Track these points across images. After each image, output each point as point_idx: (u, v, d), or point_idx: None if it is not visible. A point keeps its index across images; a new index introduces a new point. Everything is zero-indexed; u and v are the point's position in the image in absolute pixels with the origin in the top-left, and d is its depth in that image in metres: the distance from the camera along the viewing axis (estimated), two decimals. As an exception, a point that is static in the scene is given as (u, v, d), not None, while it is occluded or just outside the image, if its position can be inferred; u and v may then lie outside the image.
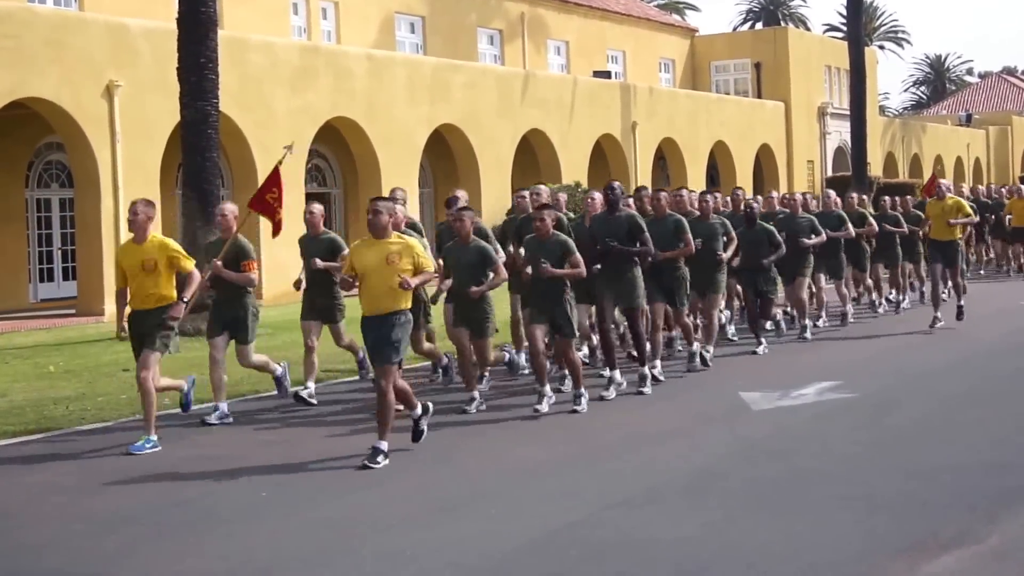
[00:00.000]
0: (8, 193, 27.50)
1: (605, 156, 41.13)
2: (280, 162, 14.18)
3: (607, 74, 44.81)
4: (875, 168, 52.74)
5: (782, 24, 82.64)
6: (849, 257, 20.28)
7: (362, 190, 32.06)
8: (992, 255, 31.75)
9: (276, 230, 14.28)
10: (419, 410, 10.91)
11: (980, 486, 8.99)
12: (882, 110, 77.63)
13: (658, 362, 14.58)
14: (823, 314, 19.88)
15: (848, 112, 48.27)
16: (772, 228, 17.18)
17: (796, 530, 7.95)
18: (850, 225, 19.83)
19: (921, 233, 21.31)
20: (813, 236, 18.32)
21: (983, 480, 9.17)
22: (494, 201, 33.88)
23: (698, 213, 16.05)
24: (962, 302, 19.22)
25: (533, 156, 38.13)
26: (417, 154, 33.19)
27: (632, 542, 7.81)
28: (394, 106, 32.10)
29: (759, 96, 51.91)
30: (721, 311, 16.97)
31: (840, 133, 54.30)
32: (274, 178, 14.05)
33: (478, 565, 7.51)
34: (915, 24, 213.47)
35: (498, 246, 13.53)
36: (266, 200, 14.02)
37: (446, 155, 35.51)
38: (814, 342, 18.11)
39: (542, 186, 15.14)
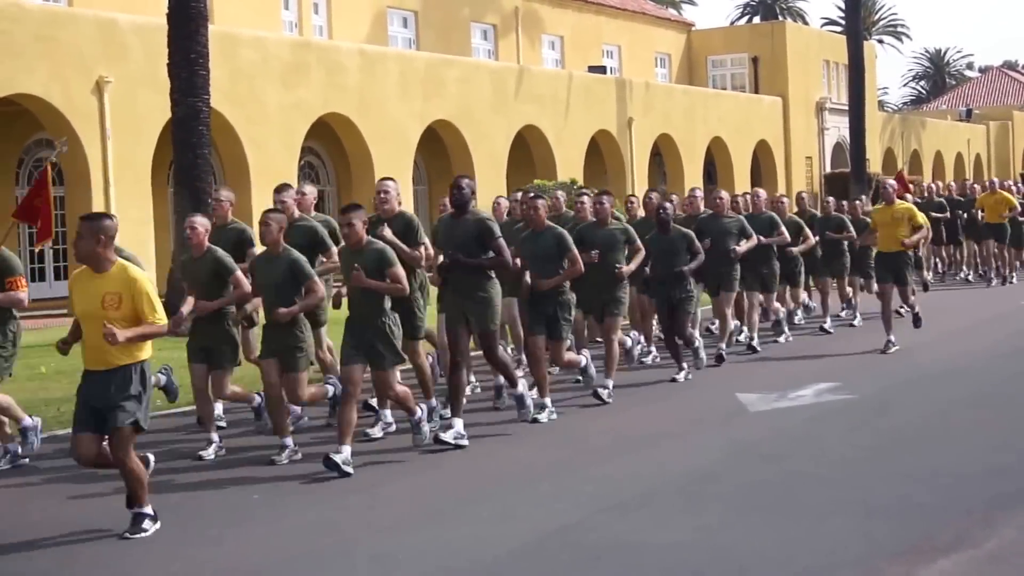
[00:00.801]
0: (-2, 190, 27.42)
1: (601, 152, 41.05)
2: (50, 161, 13.90)
3: (602, 69, 44.73)
4: (874, 164, 52.64)
5: (779, 18, 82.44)
6: (782, 270, 17.78)
7: (356, 187, 31.94)
8: (962, 255, 29.41)
9: (41, 237, 13.28)
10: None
11: (977, 490, 8.96)
12: (881, 105, 77.51)
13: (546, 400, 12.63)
14: (754, 335, 17.12)
15: (847, 107, 48.20)
16: (691, 233, 15.05)
17: (791, 534, 7.93)
18: (784, 229, 17.46)
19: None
20: (743, 241, 16.23)
21: (980, 484, 9.15)
22: (490, 198, 33.54)
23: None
24: (917, 308, 17.56)
25: (528, 152, 38.03)
26: (411, 150, 33.11)
27: (625, 546, 7.80)
28: (387, 102, 32.02)
29: (756, 91, 51.82)
30: (628, 334, 15.30)
31: (839, 128, 54.19)
32: (42, 181, 12.93)
33: (469, 569, 7.51)
34: (914, 18, 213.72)
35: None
36: (34, 206, 12.85)
37: (440, 151, 35.44)
38: (813, 343, 18.02)
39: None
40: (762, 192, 18.58)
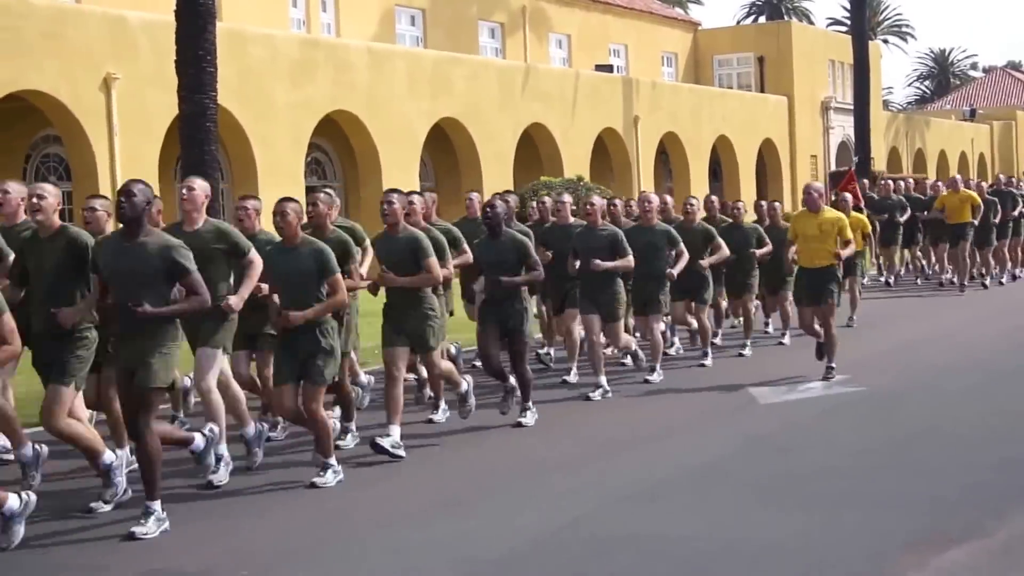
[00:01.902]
0: (6, 187, 27.39)
1: (607, 151, 41.04)
2: None
3: (609, 68, 44.68)
4: (879, 163, 52.58)
5: (785, 18, 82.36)
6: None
7: (363, 184, 31.98)
8: (921, 261, 27.44)
9: None
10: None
11: (988, 482, 8.96)
12: (886, 105, 77.51)
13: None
14: (671, 351, 16.05)
15: (852, 107, 48.17)
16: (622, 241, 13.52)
17: (804, 525, 7.93)
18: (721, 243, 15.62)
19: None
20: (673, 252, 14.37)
21: (991, 476, 9.15)
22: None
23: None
24: (834, 331, 14.04)
25: (535, 150, 38.03)
26: (418, 148, 33.11)
27: (638, 538, 7.81)
28: (394, 100, 32.02)
29: (762, 90, 51.81)
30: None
31: (843, 128, 54.21)
32: None
33: (483, 560, 7.51)
34: (919, 18, 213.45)
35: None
36: None
37: (447, 149, 35.43)
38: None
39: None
40: (658, 197, 15.82)
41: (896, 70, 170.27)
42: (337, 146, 33.78)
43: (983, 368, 14.58)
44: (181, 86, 20.89)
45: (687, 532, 7.91)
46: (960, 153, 67.74)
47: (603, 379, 13.21)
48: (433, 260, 10.56)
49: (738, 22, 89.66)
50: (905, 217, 25.21)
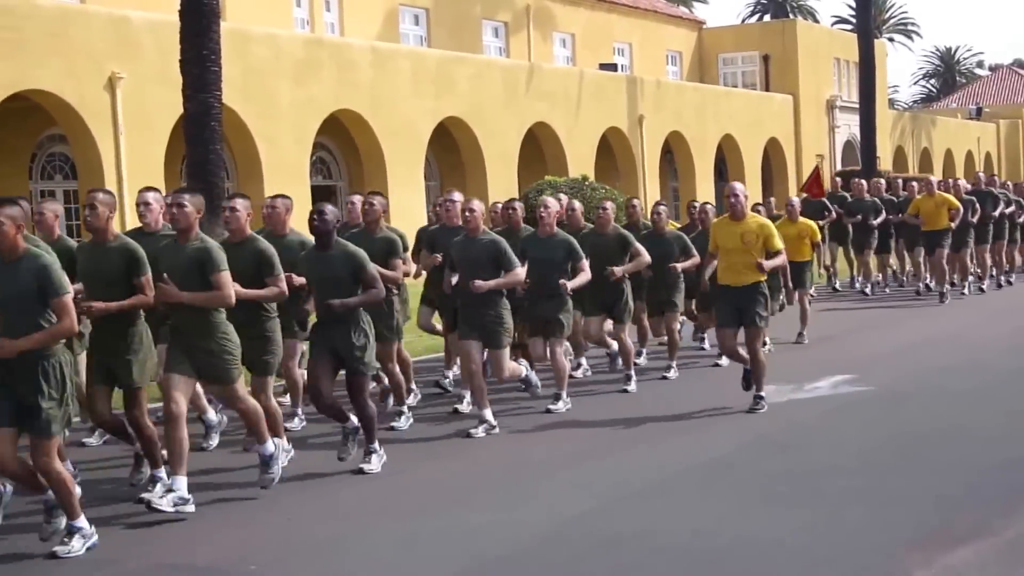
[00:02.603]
0: (12, 185, 27.34)
1: (612, 150, 41.06)
2: None
3: (613, 67, 44.69)
4: (884, 162, 52.55)
5: (790, 16, 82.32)
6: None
7: (367, 183, 31.93)
8: (893, 268, 25.82)
9: None
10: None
11: (995, 480, 8.98)
12: (892, 103, 77.49)
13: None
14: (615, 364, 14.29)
15: (857, 105, 48.12)
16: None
17: (810, 523, 7.96)
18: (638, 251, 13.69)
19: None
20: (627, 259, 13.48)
21: (998, 474, 9.17)
22: (501, 195, 33.65)
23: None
24: (762, 356, 12.27)
25: (539, 149, 38.05)
26: (422, 147, 33.14)
27: (645, 533, 7.84)
28: (399, 99, 32.04)
29: (767, 89, 51.81)
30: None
31: (849, 126, 54.18)
32: None
33: (491, 554, 7.56)
34: (925, 16, 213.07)
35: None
36: None
37: (451, 148, 35.45)
38: (827, 337, 17.98)
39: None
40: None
41: (902, 68, 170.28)
42: (342, 145, 33.80)
43: (988, 368, 14.55)
44: (186, 85, 20.90)
45: (693, 528, 7.93)
46: (966, 152, 67.70)
47: (488, 413, 11.26)
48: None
49: (743, 21, 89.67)
50: (879, 220, 23.71)
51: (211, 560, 7.67)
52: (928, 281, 23.94)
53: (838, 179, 27.51)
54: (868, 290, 24.11)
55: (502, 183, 34.56)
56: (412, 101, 32.37)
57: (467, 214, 11.21)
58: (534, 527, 8.09)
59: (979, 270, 24.74)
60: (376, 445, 9.83)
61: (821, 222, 22.92)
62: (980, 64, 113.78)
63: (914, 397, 12.70)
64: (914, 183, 24.40)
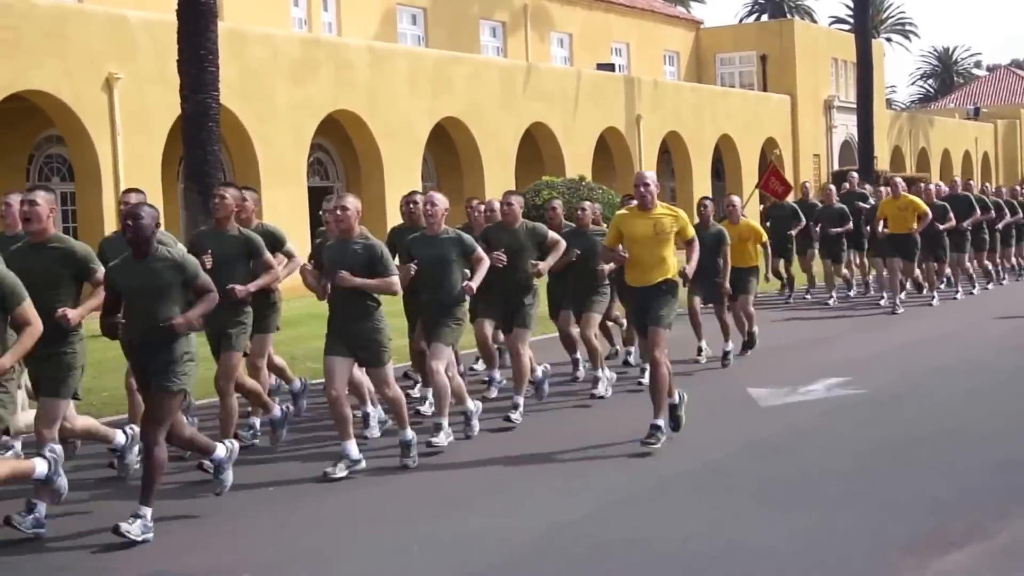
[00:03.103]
0: (8, 186, 26.91)
1: (609, 149, 41.12)
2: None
3: (611, 66, 44.74)
4: (882, 162, 52.63)
5: (788, 16, 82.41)
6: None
7: (364, 184, 32.01)
8: (850, 278, 24.00)
9: None
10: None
11: (990, 483, 9.00)
12: (889, 103, 77.56)
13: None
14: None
15: (855, 105, 48.22)
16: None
17: (804, 526, 7.96)
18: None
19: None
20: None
21: (993, 477, 9.18)
22: (498, 195, 33.67)
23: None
24: (681, 412, 10.93)
25: (536, 149, 38.11)
26: (419, 147, 33.18)
27: (638, 538, 7.84)
28: (396, 99, 32.09)
29: (765, 89, 51.88)
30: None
31: (847, 126, 54.25)
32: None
33: (484, 560, 7.56)
34: (923, 16, 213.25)
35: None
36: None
37: (449, 148, 35.50)
38: (821, 339, 17.99)
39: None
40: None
41: (899, 68, 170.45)
42: (339, 145, 33.85)
43: (983, 369, 14.57)
44: (183, 86, 21.00)
45: (686, 534, 7.92)
46: (964, 152, 67.79)
47: (351, 447, 9.88)
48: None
49: (740, 20, 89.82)
50: (847, 228, 22.55)
51: (204, 566, 7.66)
52: (874, 287, 23.40)
53: (807, 184, 25.75)
54: (833, 300, 22.66)
55: (499, 183, 34.52)
56: (409, 101, 32.42)
57: (338, 212, 10.17)
58: (526, 533, 8.06)
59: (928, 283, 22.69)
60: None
61: (791, 231, 22.71)
62: (978, 64, 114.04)
63: (908, 399, 12.70)
64: (883, 189, 23.43)
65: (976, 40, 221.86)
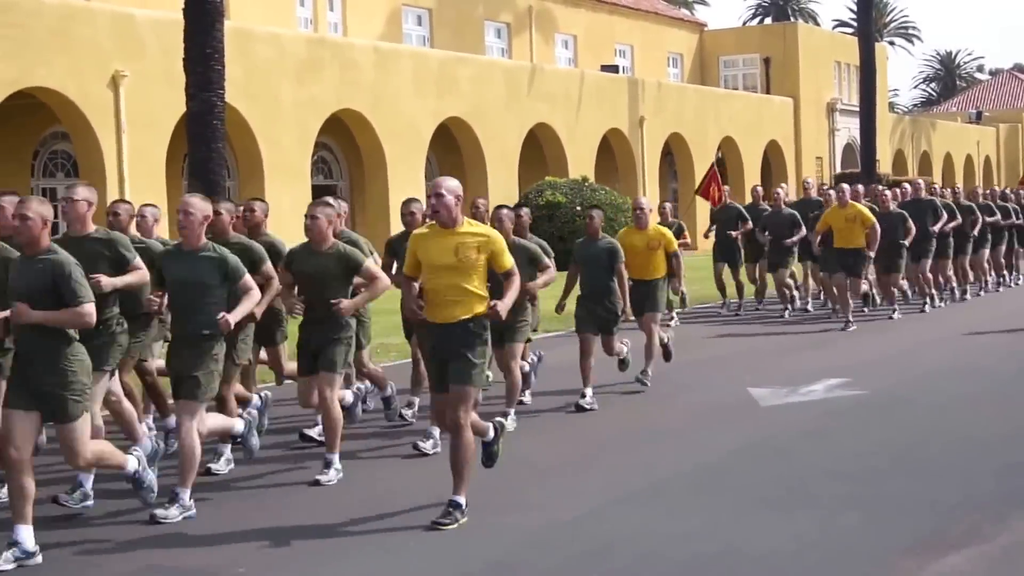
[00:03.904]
0: (14, 182, 27.42)
1: (612, 151, 41.20)
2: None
3: (615, 68, 44.88)
4: (884, 165, 52.70)
5: (791, 19, 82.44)
6: None
7: (368, 183, 32.14)
8: (792, 291, 21.25)
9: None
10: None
11: (989, 485, 9.01)
12: (892, 107, 77.57)
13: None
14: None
15: (857, 108, 48.26)
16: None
17: (803, 527, 7.97)
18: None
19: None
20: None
21: (992, 480, 9.19)
22: (501, 195, 33.82)
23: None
24: (497, 446, 9.18)
25: (540, 150, 38.21)
26: (423, 147, 33.29)
27: (637, 537, 7.84)
28: (401, 99, 32.20)
29: (768, 91, 51.94)
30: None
31: (849, 129, 54.31)
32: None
33: (482, 559, 7.56)
34: (925, 20, 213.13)
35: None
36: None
37: (453, 148, 35.60)
38: (822, 339, 18.00)
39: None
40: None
41: (902, 72, 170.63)
42: (343, 145, 33.94)
43: (983, 373, 14.57)
44: (189, 84, 20.97)
45: (686, 531, 7.94)
46: (966, 156, 67.85)
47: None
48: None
49: (744, 23, 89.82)
50: (799, 237, 20.23)
51: (200, 563, 7.64)
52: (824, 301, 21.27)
53: (758, 188, 23.17)
54: (787, 314, 20.73)
55: (503, 183, 34.69)
56: (414, 101, 32.53)
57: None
58: (525, 532, 8.05)
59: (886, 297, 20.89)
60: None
61: (734, 233, 21.14)
62: (980, 68, 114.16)
63: (908, 401, 12.69)
64: (832, 192, 20.83)
65: (979, 44, 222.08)
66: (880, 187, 22.71)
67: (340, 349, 9.50)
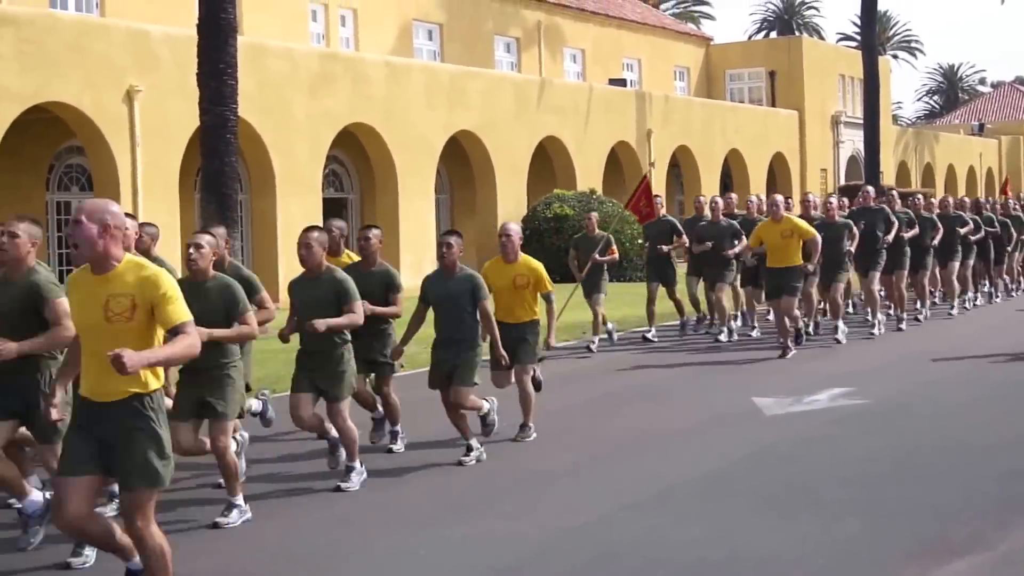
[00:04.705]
0: (29, 195, 27.68)
1: (620, 163, 41.31)
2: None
3: (623, 82, 44.97)
4: (888, 177, 52.82)
5: (796, 33, 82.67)
6: None
7: (379, 195, 32.24)
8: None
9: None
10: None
11: (990, 492, 9.04)
12: (895, 119, 77.66)
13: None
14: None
15: (861, 121, 48.38)
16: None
17: (807, 533, 8.00)
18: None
19: None
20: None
21: (993, 486, 9.24)
22: (511, 208, 34.11)
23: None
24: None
25: (549, 162, 38.32)
26: (434, 160, 33.38)
27: (644, 544, 7.89)
28: (411, 112, 32.28)
29: (773, 104, 52.08)
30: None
31: (853, 142, 54.47)
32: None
33: (491, 565, 7.60)
34: (928, 34, 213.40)
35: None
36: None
37: (463, 161, 35.70)
38: (825, 351, 18.00)
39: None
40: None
41: (905, 85, 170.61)
42: (355, 158, 34.03)
43: (985, 381, 14.64)
44: (202, 98, 21.12)
45: (692, 537, 7.98)
46: (968, 167, 67.94)
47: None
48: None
49: (750, 37, 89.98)
50: (738, 250, 18.72)
51: (212, 570, 7.71)
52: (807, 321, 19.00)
53: (700, 199, 20.73)
54: (726, 336, 19.03)
55: (512, 196, 34.88)
56: (425, 114, 32.60)
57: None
58: (532, 539, 8.09)
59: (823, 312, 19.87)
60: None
61: (666, 247, 19.34)
62: (982, 81, 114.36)
63: (910, 410, 12.76)
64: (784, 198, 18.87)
65: (981, 58, 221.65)
66: (867, 192, 21.18)
67: (227, 390, 8.83)
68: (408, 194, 31.89)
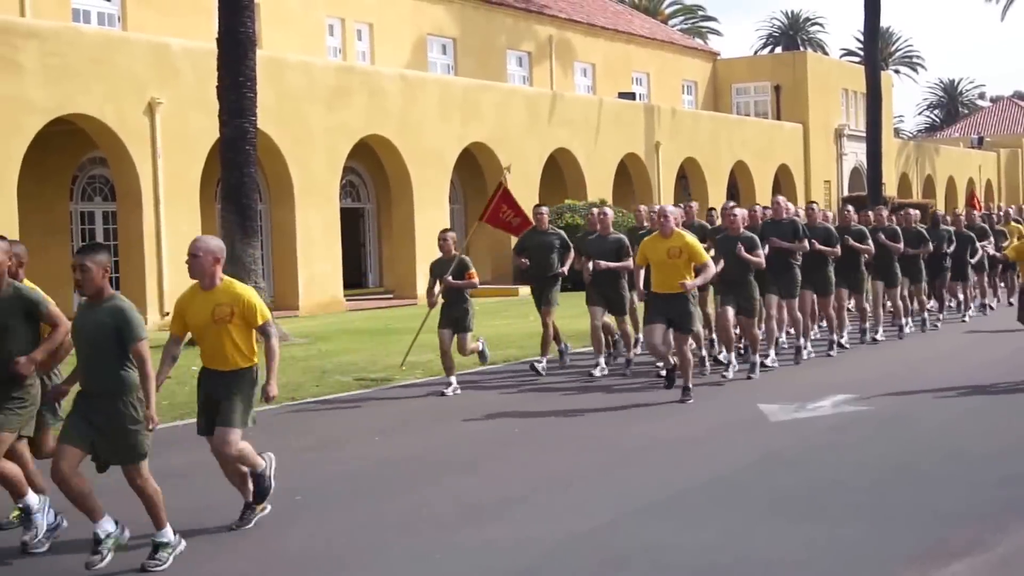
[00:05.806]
0: (53, 206, 27.96)
1: (629, 174, 41.63)
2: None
3: (632, 95, 45.28)
4: (890, 188, 53.18)
5: (801, 48, 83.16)
6: None
7: (395, 205, 32.55)
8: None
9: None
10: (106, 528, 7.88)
11: (991, 496, 9.13)
12: (897, 132, 78.01)
13: None
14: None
15: (864, 134, 48.69)
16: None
17: (812, 537, 8.11)
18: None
19: None
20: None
21: (994, 490, 9.32)
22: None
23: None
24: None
25: (559, 174, 38.64)
26: (448, 171, 33.72)
27: (652, 548, 7.96)
28: (426, 124, 32.58)
29: (778, 118, 52.44)
30: None
31: (856, 154, 54.93)
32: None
33: (504, 569, 7.67)
34: (929, 49, 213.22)
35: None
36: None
37: (476, 172, 36.03)
38: (828, 358, 17.97)
39: None
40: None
41: (907, 99, 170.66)
42: (371, 169, 34.34)
43: (985, 389, 14.64)
44: (222, 110, 21.36)
45: (700, 542, 8.04)
46: (968, 179, 68.29)
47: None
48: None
49: (755, 52, 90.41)
50: (623, 265, 16.23)
51: (228, 572, 7.85)
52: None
53: (643, 208, 18.92)
54: (597, 369, 16.50)
55: (523, 205, 34.87)
56: (439, 127, 32.92)
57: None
58: (543, 543, 8.11)
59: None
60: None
61: (557, 266, 16.82)
62: (982, 95, 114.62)
63: (912, 416, 12.80)
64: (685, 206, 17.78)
65: (980, 73, 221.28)
66: (847, 207, 19.85)
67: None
68: (423, 204, 32.19)
